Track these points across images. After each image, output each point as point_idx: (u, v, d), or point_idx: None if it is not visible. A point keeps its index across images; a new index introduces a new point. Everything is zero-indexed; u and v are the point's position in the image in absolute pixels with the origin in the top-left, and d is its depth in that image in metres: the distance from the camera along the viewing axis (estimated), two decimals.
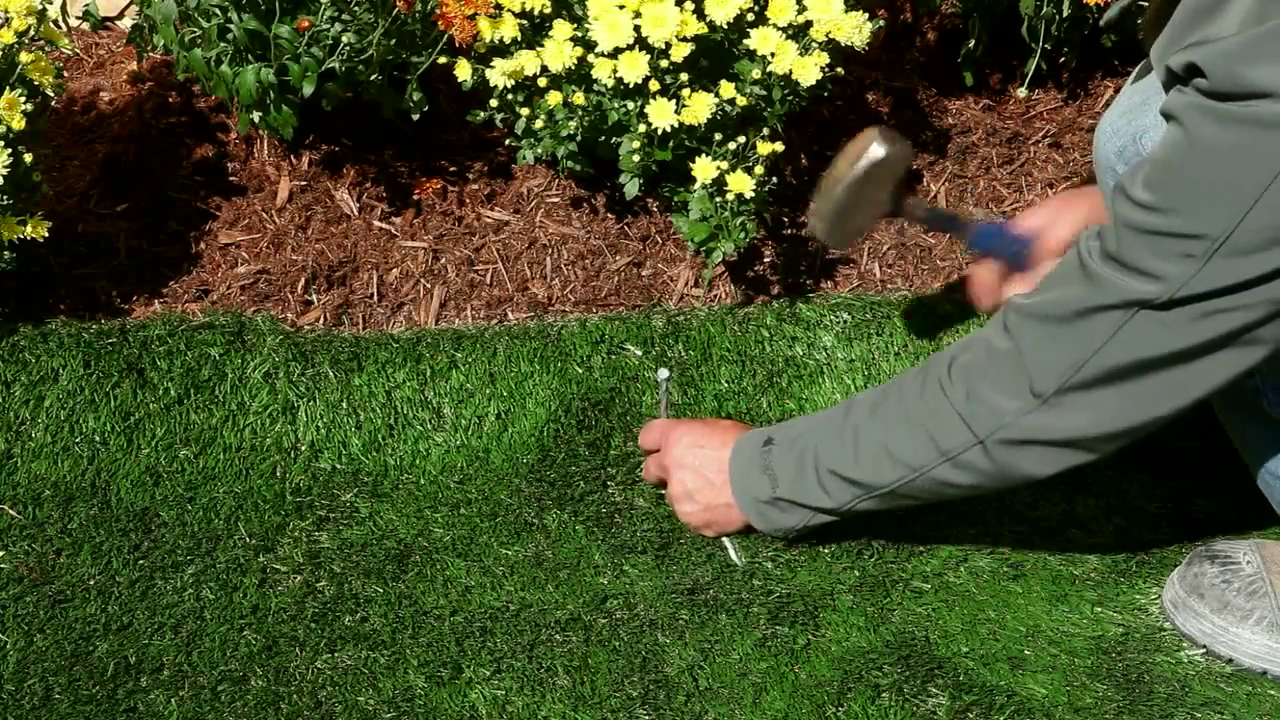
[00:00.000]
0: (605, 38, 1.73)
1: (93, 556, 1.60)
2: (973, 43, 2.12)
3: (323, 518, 1.67)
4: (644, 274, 1.95)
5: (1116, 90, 2.20)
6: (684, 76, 1.76)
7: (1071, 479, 1.76)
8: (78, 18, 2.11)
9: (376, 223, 1.96)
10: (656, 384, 1.74)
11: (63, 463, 1.69)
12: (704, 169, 1.77)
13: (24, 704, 1.45)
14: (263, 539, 1.64)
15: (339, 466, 1.73)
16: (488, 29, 1.73)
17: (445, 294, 1.90)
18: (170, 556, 1.61)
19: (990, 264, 1.68)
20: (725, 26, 1.76)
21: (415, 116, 1.85)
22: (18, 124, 1.65)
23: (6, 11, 1.67)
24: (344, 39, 1.72)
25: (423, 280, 1.91)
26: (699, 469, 1.64)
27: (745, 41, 1.77)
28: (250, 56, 1.78)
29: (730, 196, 1.76)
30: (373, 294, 1.89)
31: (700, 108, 1.75)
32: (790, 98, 1.81)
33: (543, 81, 1.77)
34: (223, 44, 1.77)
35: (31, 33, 1.70)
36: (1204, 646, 1.59)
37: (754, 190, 1.76)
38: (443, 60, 1.79)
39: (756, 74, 1.77)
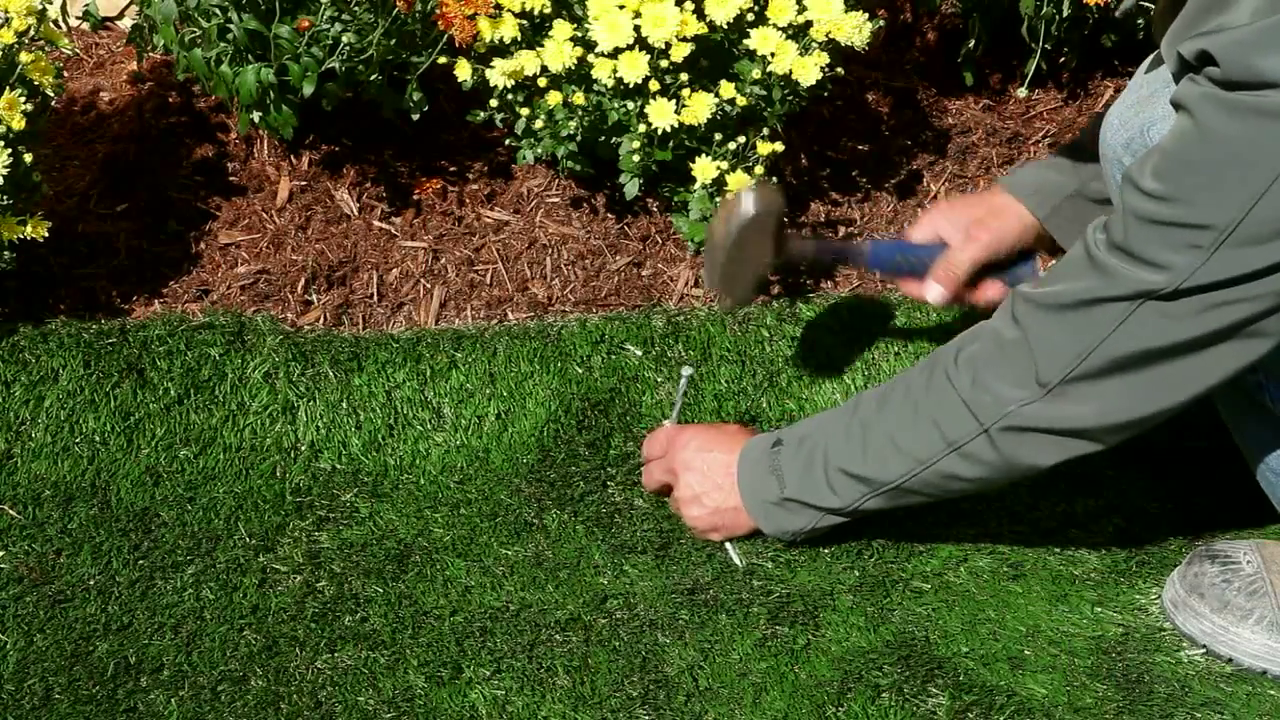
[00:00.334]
0: (605, 38, 1.73)
1: (93, 556, 1.60)
2: (973, 43, 2.12)
3: (323, 518, 1.67)
4: (644, 274, 1.95)
5: (1117, 90, 2.20)
6: (684, 76, 1.76)
7: (1072, 479, 1.76)
8: (78, 18, 2.11)
9: (376, 223, 1.96)
10: (678, 380, 1.74)
11: (63, 463, 1.69)
12: (704, 169, 1.77)
13: (24, 704, 1.45)
14: (263, 539, 1.64)
15: (339, 466, 1.73)
16: (488, 29, 1.73)
17: (445, 294, 1.90)
18: (170, 556, 1.61)
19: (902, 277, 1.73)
20: (725, 26, 1.76)
21: (415, 116, 1.85)
22: (18, 124, 1.65)
23: (6, 11, 1.67)
24: (344, 39, 1.72)
25: (423, 280, 1.91)
26: (706, 473, 1.63)
27: (745, 41, 1.77)
28: (250, 56, 1.78)
29: (730, 196, 1.76)
30: (373, 294, 1.89)
31: (700, 108, 1.75)
32: (790, 98, 1.81)
33: (543, 81, 1.77)
34: (223, 44, 1.77)
35: (31, 33, 1.70)
36: (1204, 646, 1.59)
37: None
38: (443, 60, 1.79)
39: (756, 74, 1.77)
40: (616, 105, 1.78)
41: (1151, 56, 1.47)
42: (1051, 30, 2.04)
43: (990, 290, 1.71)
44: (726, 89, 1.77)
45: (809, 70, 1.76)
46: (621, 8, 1.73)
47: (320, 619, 1.55)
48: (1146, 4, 1.90)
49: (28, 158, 1.67)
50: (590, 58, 1.75)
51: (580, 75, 1.77)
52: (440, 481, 1.73)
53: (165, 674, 1.49)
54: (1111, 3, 1.91)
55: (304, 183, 1.98)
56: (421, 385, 1.79)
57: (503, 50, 1.77)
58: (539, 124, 1.80)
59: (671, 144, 1.79)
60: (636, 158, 1.79)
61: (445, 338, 1.84)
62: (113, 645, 1.51)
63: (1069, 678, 1.54)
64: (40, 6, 1.71)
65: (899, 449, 1.50)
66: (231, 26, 1.75)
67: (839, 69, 1.84)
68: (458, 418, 1.78)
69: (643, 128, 1.76)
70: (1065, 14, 2.01)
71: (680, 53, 1.74)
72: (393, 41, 1.75)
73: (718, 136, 1.78)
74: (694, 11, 1.76)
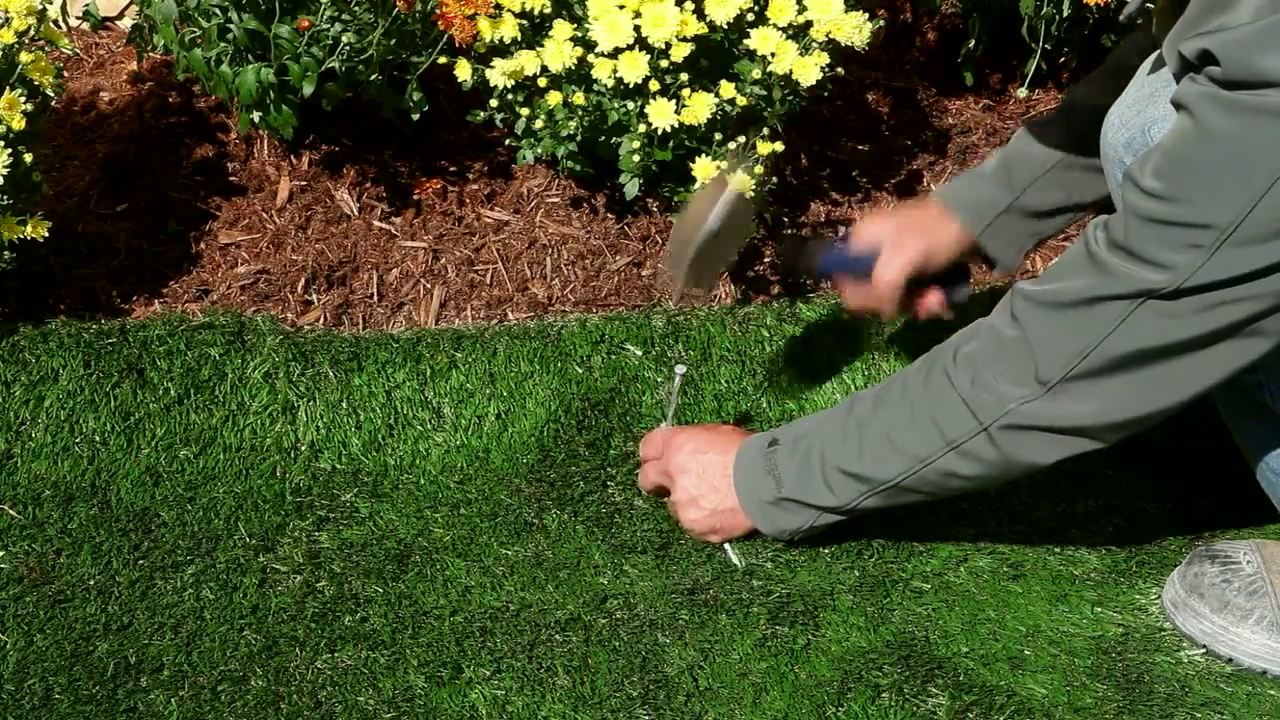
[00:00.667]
0: (605, 38, 1.73)
1: (93, 556, 1.60)
2: (973, 43, 2.12)
3: (323, 518, 1.67)
4: (644, 274, 1.95)
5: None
6: (684, 76, 1.76)
7: (1072, 479, 1.76)
8: (78, 18, 2.11)
9: (376, 223, 1.96)
10: (671, 378, 1.74)
11: (63, 463, 1.69)
12: (704, 169, 1.77)
13: (24, 704, 1.45)
14: (263, 539, 1.64)
15: (339, 466, 1.73)
16: (488, 29, 1.73)
17: (445, 294, 1.90)
18: (170, 556, 1.61)
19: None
20: (725, 26, 1.76)
21: (415, 116, 1.85)
22: (18, 124, 1.65)
23: (6, 11, 1.67)
24: (344, 39, 1.72)
25: (423, 280, 1.91)
26: (702, 475, 1.63)
27: (745, 41, 1.77)
28: (250, 56, 1.78)
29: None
30: (373, 294, 1.89)
31: (700, 108, 1.75)
32: (790, 98, 1.81)
33: (543, 81, 1.77)
34: (223, 44, 1.77)
35: (31, 33, 1.70)
36: (1204, 646, 1.59)
37: (754, 190, 1.76)
38: (443, 60, 1.79)
39: (756, 74, 1.77)
40: (616, 105, 1.78)
41: (1153, 57, 1.47)
42: (1051, 30, 2.04)
43: (931, 299, 1.73)
44: (726, 89, 1.77)
45: (809, 70, 1.76)
46: (621, 8, 1.73)
47: (320, 619, 1.55)
48: (1151, 5, 1.91)
49: (28, 158, 1.67)
50: (590, 58, 1.75)
51: (580, 75, 1.77)
52: (440, 481, 1.73)
53: (165, 674, 1.49)
54: (1114, 5, 1.91)
55: (304, 183, 1.98)
56: (421, 385, 1.79)
57: (503, 50, 1.77)
58: (539, 124, 1.80)
59: (671, 144, 1.79)
60: (636, 158, 1.79)
61: (445, 338, 1.84)
62: (113, 645, 1.51)
63: (1069, 678, 1.54)
64: (40, 6, 1.71)
65: (897, 448, 1.50)
66: (231, 26, 1.75)
67: (839, 69, 1.84)
68: (458, 418, 1.78)
69: (643, 128, 1.76)
70: (1065, 14, 2.02)
71: (680, 53, 1.74)
72: (393, 41, 1.75)
73: (718, 136, 1.78)
74: (694, 11, 1.76)
